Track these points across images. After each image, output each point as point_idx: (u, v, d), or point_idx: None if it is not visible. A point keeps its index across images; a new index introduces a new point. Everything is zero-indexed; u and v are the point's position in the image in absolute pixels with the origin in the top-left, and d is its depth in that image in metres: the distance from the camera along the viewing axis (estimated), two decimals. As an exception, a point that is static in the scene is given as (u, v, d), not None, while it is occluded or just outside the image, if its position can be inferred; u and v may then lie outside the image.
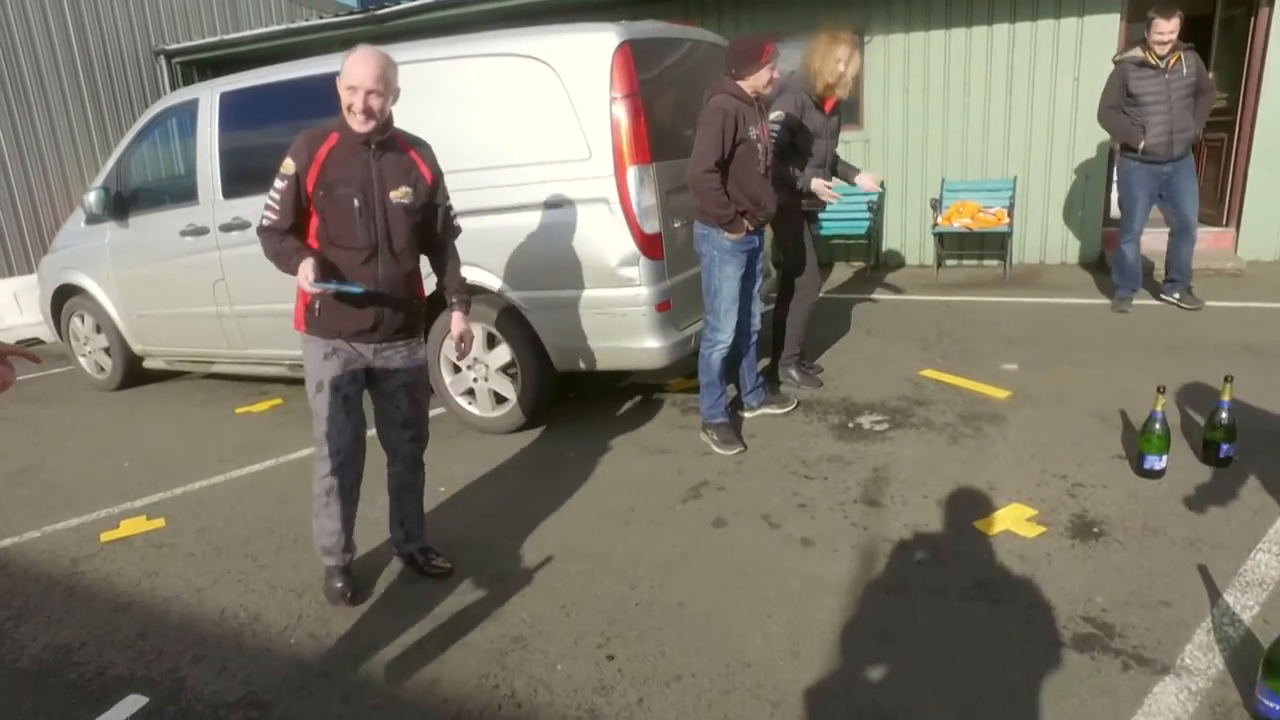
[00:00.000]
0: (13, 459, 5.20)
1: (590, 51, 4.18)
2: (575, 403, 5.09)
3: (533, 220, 4.37)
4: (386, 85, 2.81)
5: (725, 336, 4.18)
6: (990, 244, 8.28)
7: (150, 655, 2.97)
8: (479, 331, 4.64)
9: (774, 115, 4.39)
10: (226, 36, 10.29)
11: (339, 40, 9.23)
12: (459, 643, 2.87)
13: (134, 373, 6.37)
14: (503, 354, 4.62)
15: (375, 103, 2.79)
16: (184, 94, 5.51)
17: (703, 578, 3.14)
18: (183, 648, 3.00)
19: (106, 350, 6.37)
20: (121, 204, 5.76)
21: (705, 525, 3.53)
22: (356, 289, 2.87)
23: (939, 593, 2.92)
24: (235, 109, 5.18)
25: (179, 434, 5.39)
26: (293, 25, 10.09)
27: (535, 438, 4.67)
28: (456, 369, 4.80)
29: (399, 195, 2.94)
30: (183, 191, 5.44)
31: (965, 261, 8.47)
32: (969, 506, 3.49)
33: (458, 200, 4.49)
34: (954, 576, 3.00)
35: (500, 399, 4.73)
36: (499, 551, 3.46)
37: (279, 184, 2.90)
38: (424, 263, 3.20)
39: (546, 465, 4.29)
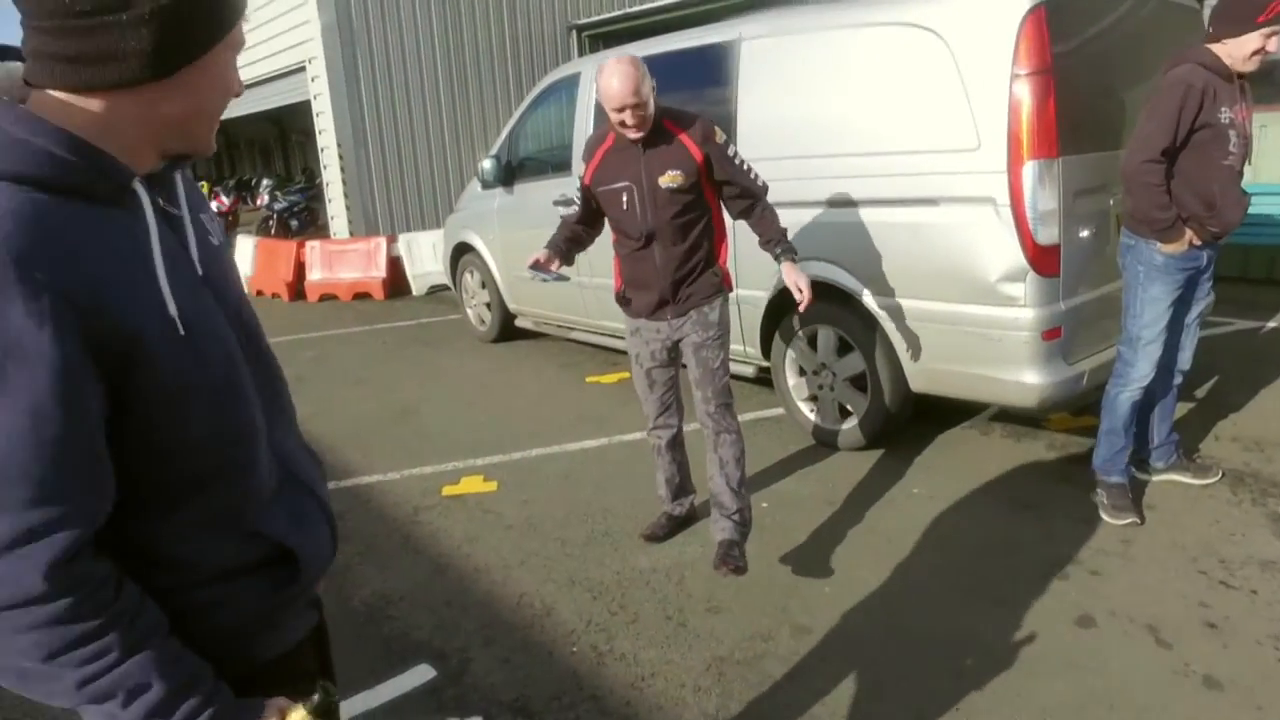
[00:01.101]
0: (399, 398, 5.81)
1: (992, 17, 3.47)
2: (930, 425, 4.45)
3: (900, 217, 3.80)
4: (642, 94, 2.87)
5: (1141, 374, 3.30)
6: None
7: (450, 626, 3.02)
8: (829, 335, 4.19)
9: None
10: (632, 9, 10.70)
11: (742, 6, 9.11)
12: (737, 696, 2.52)
13: (508, 328, 6.85)
14: (853, 363, 4.14)
15: (639, 115, 2.89)
16: (569, 68, 5.68)
17: (1048, 694, 2.45)
18: (478, 626, 3.00)
19: (488, 305, 6.92)
20: (510, 172, 6.14)
21: (1066, 620, 2.79)
22: (561, 279, 3.20)
23: None
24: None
25: (533, 394, 5.65)
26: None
27: (876, 460, 4.14)
28: (801, 372, 4.41)
29: (667, 180, 2.97)
30: (559, 162, 5.64)
31: None
32: None
33: (810, 189, 4.10)
34: None
35: (845, 412, 4.26)
36: (807, 593, 3.04)
37: (578, 182, 3.22)
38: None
39: (885, 498, 3.75)
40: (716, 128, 3.03)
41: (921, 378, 3.90)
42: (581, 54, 11.12)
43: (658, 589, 3.16)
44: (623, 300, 3.26)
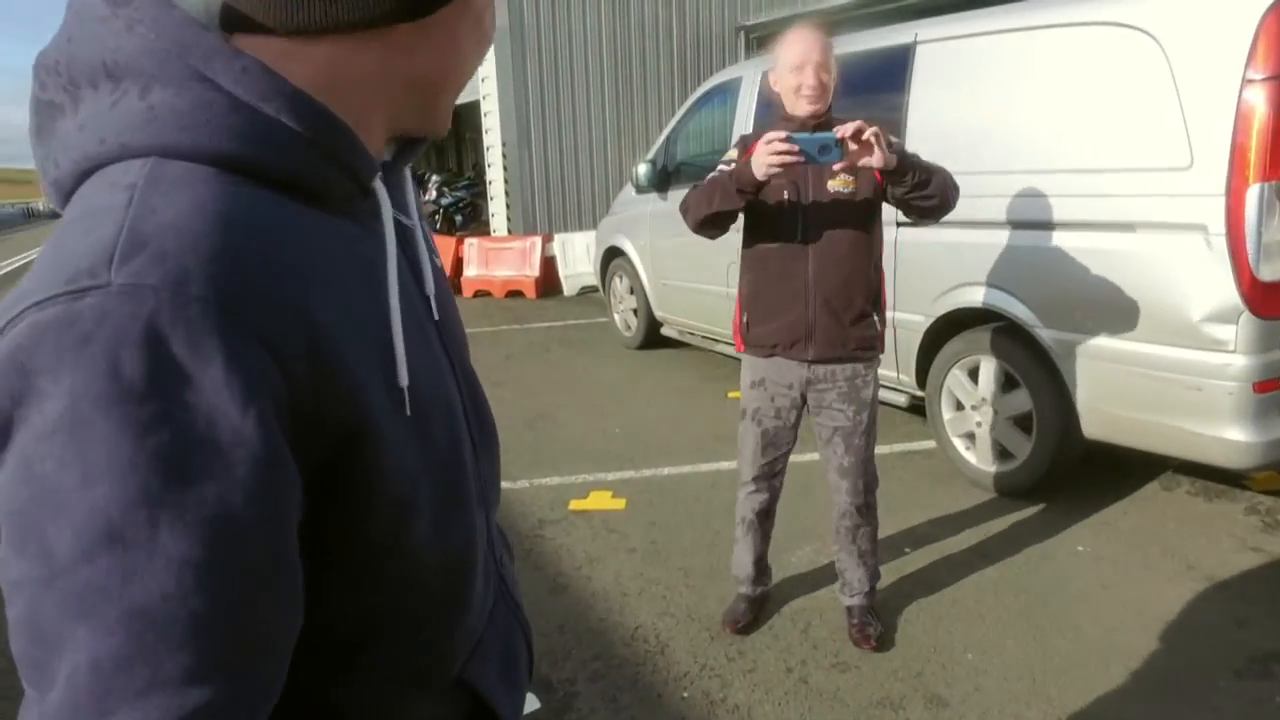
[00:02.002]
0: (536, 402, 5.78)
1: (1224, 12, 3.00)
2: (1102, 474, 3.96)
3: (1088, 243, 3.38)
4: (831, 59, 2.52)
5: None
6: None
7: (559, 654, 2.88)
8: (993, 368, 3.79)
9: None
10: (802, 9, 10.37)
11: (911, 9, 8.63)
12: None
13: (653, 336, 6.73)
14: (1019, 401, 3.73)
15: (824, 77, 2.51)
16: (729, 72, 5.49)
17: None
18: (589, 658, 2.86)
19: (634, 311, 6.82)
20: (664, 177, 6.00)
21: (1270, 733, 2.35)
22: (826, 137, 2.27)
23: None
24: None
25: (671, 407, 5.49)
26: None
27: (1037, 510, 3.71)
28: (959, 406, 4.02)
29: (838, 184, 2.55)
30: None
31: None
32: None
33: (983, 208, 3.70)
34: None
35: (1005, 454, 3.84)
36: (946, 658, 2.71)
37: (721, 167, 2.59)
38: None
39: (1043, 554, 3.34)
40: (891, 136, 2.53)
41: (1098, 424, 3.45)
42: (748, 56, 10.89)
43: (780, 636, 2.91)
44: (747, 331, 2.76)
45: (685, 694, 2.65)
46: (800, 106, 2.53)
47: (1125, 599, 3.01)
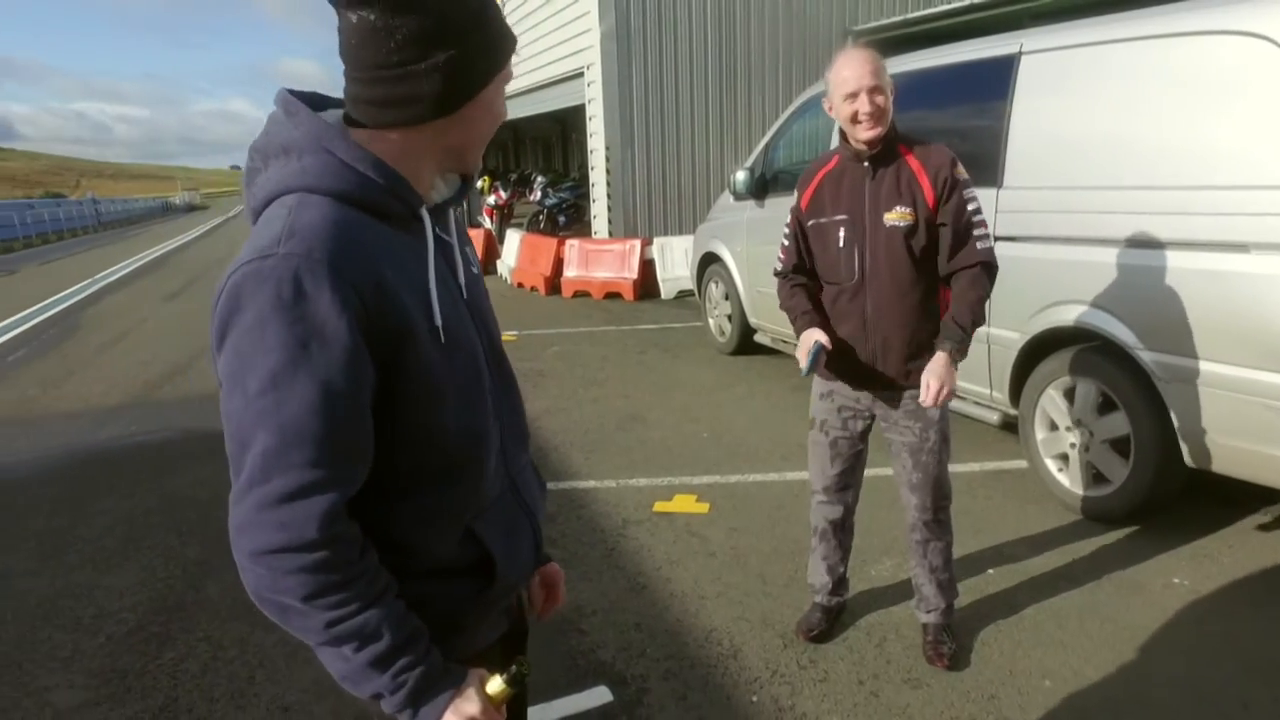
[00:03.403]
0: (629, 404, 5.91)
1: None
2: (1207, 505, 3.80)
3: (1197, 263, 3.25)
4: (884, 79, 2.47)
5: None
6: None
7: (634, 651, 2.98)
8: (1090, 389, 3.69)
9: None
10: (912, 14, 10.17)
11: (1026, 14, 8.38)
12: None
13: (747, 342, 6.76)
14: (1117, 424, 3.62)
15: (880, 100, 2.46)
16: (831, 81, 5.45)
17: None
18: (662, 656, 2.94)
19: (728, 317, 6.86)
20: (762, 185, 6.03)
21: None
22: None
23: None
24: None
25: (759, 414, 5.52)
26: (977, 0, 9.45)
27: (1131, 537, 3.59)
28: (1053, 426, 3.93)
29: (894, 217, 2.53)
30: (811, 179, 5.43)
31: None
32: None
33: (1086, 224, 3.64)
34: None
35: (1100, 478, 3.74)
36: (1022, 683, 2.68)
37: (787, 220, 2.70)
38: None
39: (1136, 584, 3.24)
40: (960, 163, 2.56)
41: (1200, 451, 3.32)
42: (854, 61, 10.75)
43: (854, 648, 2.93)
44: (818, 355, 2.67)
45: (754, 698, 2.70)
46: (859, 133, 2.51)
47: (1222, 636, 2.90)
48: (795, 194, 2.77)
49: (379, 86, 1.04)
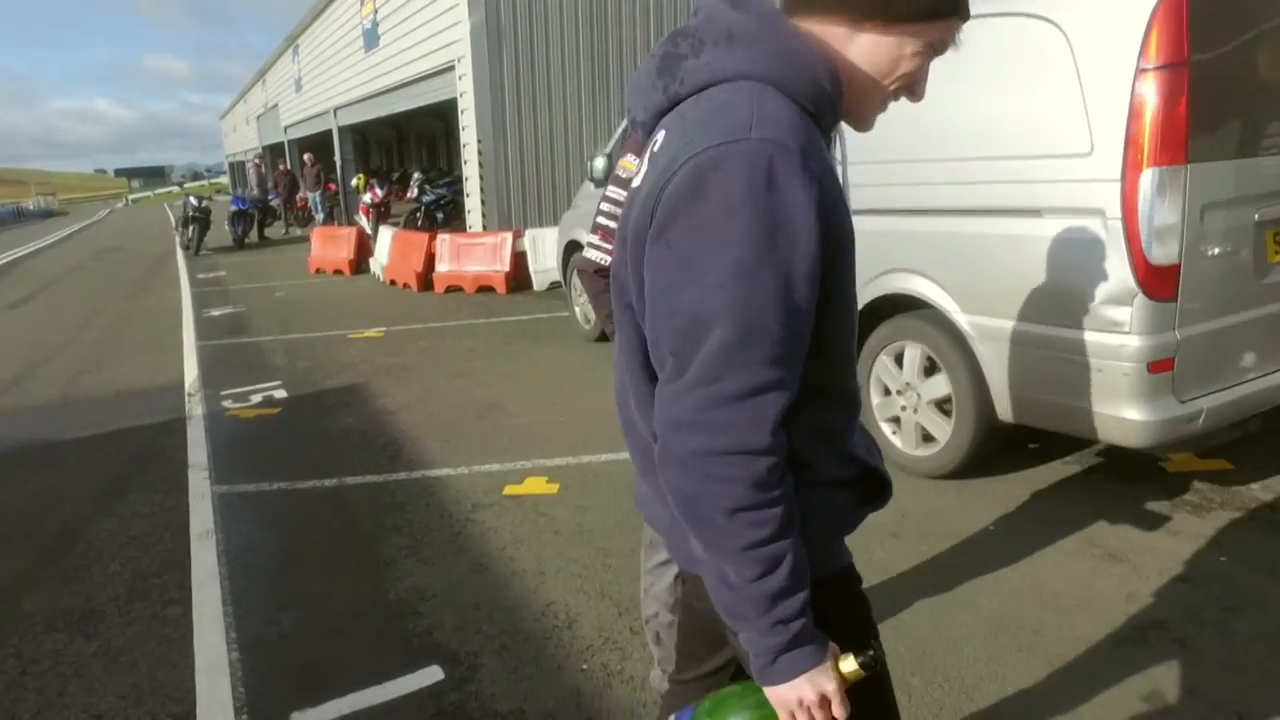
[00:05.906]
0: (490, 392, 5.86)
1: (1119, 4, 3.07)
2: (1026, 457, 4.03)
3: (1000, 228, 3.45)
4: None
5: None
6: None
7: (471, 629, 2.95)
8: (917, 353, 3.86)
9: None
10: None
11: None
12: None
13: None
14: (938, 385, 3.80)
15: None
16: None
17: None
18: (497, 632, 2.93)
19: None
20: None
21: (1132, 695, 2.41)
22: None
23: None
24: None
25: (621, 397, 5.55)
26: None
27: (956, 491, 3.78)
28: (886, 391, 4.09)
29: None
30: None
31: None
32: None
33: (902, 195, 3.81)
34: None
35: (928, 437, 3.91)
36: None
37: (612, 192, 2.34)
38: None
39: (955, 533, 3.41)
40: None
41: (1011, 406, 3.53)
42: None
43: (688, 612, 2.98)
44: None
45: (585, 665, 2.72)
46: None
47: (1027, 575, 3.08)
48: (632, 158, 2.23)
49: None
